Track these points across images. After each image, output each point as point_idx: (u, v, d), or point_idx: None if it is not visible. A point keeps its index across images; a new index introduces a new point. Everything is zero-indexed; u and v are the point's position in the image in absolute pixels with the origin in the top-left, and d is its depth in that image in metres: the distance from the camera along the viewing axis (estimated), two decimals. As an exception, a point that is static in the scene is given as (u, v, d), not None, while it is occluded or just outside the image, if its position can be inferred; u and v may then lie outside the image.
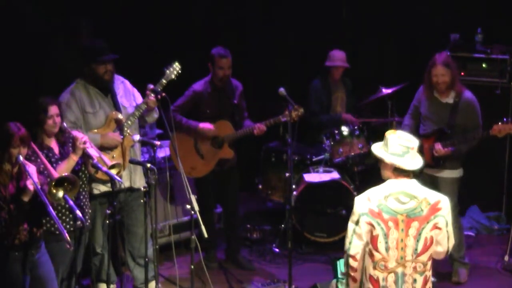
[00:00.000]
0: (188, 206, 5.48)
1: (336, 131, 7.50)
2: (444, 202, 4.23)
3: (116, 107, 5.92)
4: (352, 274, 4.27)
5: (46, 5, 6.99)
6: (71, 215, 5.34)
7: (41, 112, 5.23)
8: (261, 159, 7.96)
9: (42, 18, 7.01)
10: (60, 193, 4.86)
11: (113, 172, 5.36)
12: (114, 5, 7.55)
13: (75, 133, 5.35)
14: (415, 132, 6.45)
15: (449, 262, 6.57)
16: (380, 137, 4.44)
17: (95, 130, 5.80)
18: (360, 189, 7.35)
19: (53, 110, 5.27)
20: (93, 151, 5.31)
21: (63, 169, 5.16)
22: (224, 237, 7.20)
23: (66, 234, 4.70)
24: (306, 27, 8.70)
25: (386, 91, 7.51)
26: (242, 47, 8.51)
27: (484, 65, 7.78)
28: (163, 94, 5.76)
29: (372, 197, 4.20)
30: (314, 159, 7.66)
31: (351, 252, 4.23)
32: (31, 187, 4.75)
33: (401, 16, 8.39)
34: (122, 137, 5.82)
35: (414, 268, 4.20)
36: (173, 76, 5.90)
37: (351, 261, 4.24)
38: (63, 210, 5.33)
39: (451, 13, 8.09)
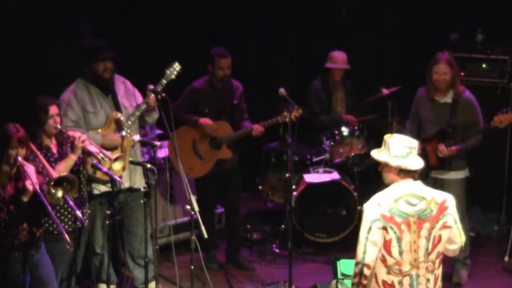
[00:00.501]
0: (188, 207, 5.48)
1: (336, 132, 7.51)
2: (450, 201, 4.23)
3: (117, 107, 5.92)
4: (365, 282, 4.21)
5: (46, 5, 6.98)
6: (70, 215, 5.34)
7: (41, 112, 5.23)
8: (261, 160, 7.95)
9: (42, 18, 7.00)
10: (59, 193, 4.86)
11: (118, 165, 5.37)
12: (114, 5, 7.55)
13: (72, 132, 5.34)
14: (417, 136, 6.45)
15: (451, 263, 6.57)
16: (380, 137, 4.43)
17: (99, 130, 5.81)
18: (360, 190, 7.38)
19: (54, 110, 5.27)
20: (93, 148, 5.31)
21: (62, 169, 5.16)
22: (224, 237, 7.20)
23: (66, 235, 4.70)
24: (306, 27, 8.70)
25: (386, 91, 7.51)
26: (242, 47, 8.52)
27: (484, 66, 7.77)
28: (163, 94, 5.75)
29: (382, 202, 4.16)
30: (314, 159, 7.66)
31: (367, 260, 4.16)
32: (30, 187, 4.75)
33: (401, 16, 8.39)
34: (122, 137, 5.82)
35: (426, 268, 4.19)
36: (173, 76, 5.90)
37: (365, 270, 4.17)
38: (62, 210, 5.33)
39: (451, 13, 8.09)
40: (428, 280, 4.20)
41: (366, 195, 4.76)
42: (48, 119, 5.25)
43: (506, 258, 6.90)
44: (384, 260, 4.17)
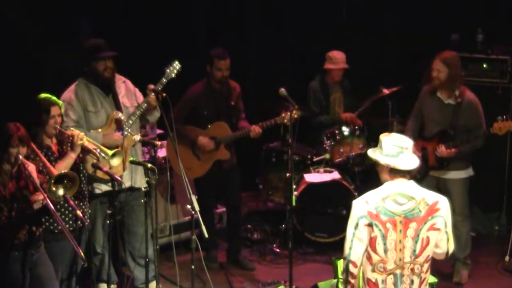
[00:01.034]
0: (189, 206, 5.48)
1: (337, 132, 7.51)
2: (443, 203, 4.22)
3: (118, 106, 5.92)
4: (352, 281, 4.23)
5: (46, 5, 6.98)
6: (70, 215, 5.34)
7: (43, 112, 5.24)
8: (262, 160, 7.95)
9: (42, 18, 7.00)
10: (60, 191, 4.84)
11: (117, 160, 5.37)
12: (114, 5, 7.55)
13: (70, 131, 5.34)
14: (416, 131, 6.45)
15: (451, 262, 6.57)
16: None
17: (100, 130, 5.81)
18: (361, 189, 7.37)
19: (55, 110, 5.28)
20: (91, 145, 5.31)
21: (62, 167, 5.16)
22: (225, 237, 7.19)
23: (80, 250, 4.67)
24: (306, 27, 8.70)
25: (386, 91, 7.51)
26: (242, 47, 8.51)
27: (484, 66, 7.77)
28: (164, 94, 5.75)
29: (370, 200, 4.19)
30: (315, 159, 7.66)
31: (352, 257, 4.19)
32: (40, 197, 4.73)
33: (401, 16, 8.39)
34: (123, 136, 5.82)
35: (412, 269, 4.19)
36: (173, 75, 5.89)
37: (351, 267, 4.20)
38: (62, 210, 5.33)
39: (451, 13, 8.09)
40: (412, 281, 4.20)
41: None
42: (50, 120, 5.25)
43: (507, 258, 6.91)
44: (369, 258, 4.19)
